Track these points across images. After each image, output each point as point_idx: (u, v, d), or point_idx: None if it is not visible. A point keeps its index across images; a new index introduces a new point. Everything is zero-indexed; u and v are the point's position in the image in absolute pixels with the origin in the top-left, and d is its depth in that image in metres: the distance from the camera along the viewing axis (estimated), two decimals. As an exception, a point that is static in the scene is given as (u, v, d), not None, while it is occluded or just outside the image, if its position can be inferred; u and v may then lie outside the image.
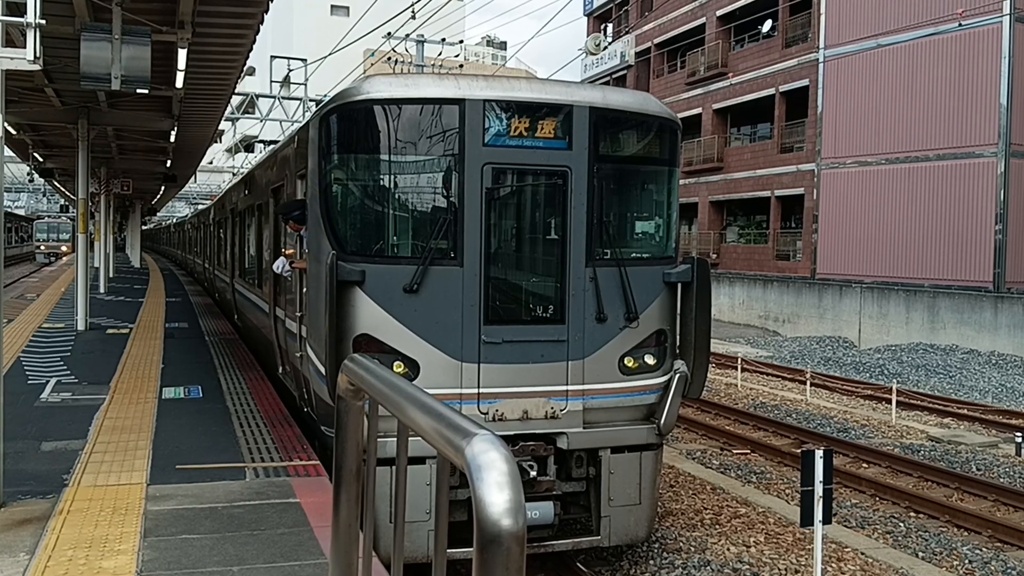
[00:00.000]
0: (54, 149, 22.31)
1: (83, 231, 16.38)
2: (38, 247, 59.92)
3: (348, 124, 7.06)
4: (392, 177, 7.15)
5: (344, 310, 6.71)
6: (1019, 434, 13.57)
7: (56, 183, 36.13)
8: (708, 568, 8.23)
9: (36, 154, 22.87)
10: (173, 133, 18.86)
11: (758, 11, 35.08)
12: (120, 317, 17.96)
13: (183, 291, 27.00)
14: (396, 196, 7.23)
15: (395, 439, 2.01)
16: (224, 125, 27.17)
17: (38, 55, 6.63)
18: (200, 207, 37.45)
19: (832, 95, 31.22)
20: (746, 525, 9.59)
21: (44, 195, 67.46)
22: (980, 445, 13.77)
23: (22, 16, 6.86)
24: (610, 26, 47.20)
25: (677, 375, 7.57)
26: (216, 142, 27.21)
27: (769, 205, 34.48)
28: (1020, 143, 26.06)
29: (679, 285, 7.66)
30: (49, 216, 66.42)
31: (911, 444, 13.74)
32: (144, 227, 60.25)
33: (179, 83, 12.65)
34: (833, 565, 8.50)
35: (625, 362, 7.35)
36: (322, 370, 6.81)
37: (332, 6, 74.21)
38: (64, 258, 53.52)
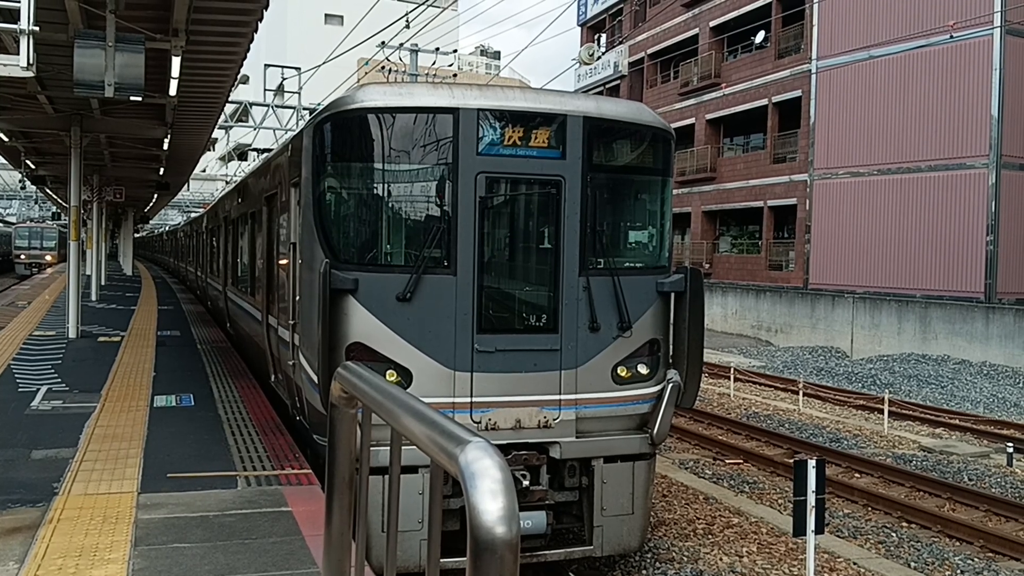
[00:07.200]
0: (46, 156, 22.27)
1: (75, 239, 16.33)
2: (18, 256, 52.53)
3: (342, 132, 7.07)
4: (386, 186, 7.14)
5: (337, 318, 6.70)
6: (1011, 444, 13.61)
7: (48, 190, 36.07)
8: (701, 578, 8.22)
9: (28, 161, 22.84)
10: (166, 141, 18.84)
11: (751, 22, 35.27)
12: (112, 325, 17.88)
13: (175, 299, 26.91)
14: (390, 205, 7.22)
15: (388, 447, 2.00)
16: (217, 133, 27.12)
17: (31, 62, 6.64)
18: (193, 215, 37.35)
19: (824, 106, 31.37)
20: (739, 535, 9.58)
21: (36, 202, 66.39)
22: (972, 455, 13.79)
23: (15, 23, 6.86)
24: (603, 36, 47.42)
25: (670, 385, 7.57)
26: (209, 150, 27.14)
27: (762, 215, 34.58)
28: (1011, 155, 26.21)
29: (672, 295, 7.67)
30: (31, 221, 59.68)
31: (903, 454, 13.76)
32: (136, 235, 59.47)
33: (173, 91, 12.62)
34: (825, 575, 8.50)
35: (618, 371, 7.35)
36: (315, 378, 6.79)
37: (326, 15, 74.29)
38: (49, 269, 48.14)
